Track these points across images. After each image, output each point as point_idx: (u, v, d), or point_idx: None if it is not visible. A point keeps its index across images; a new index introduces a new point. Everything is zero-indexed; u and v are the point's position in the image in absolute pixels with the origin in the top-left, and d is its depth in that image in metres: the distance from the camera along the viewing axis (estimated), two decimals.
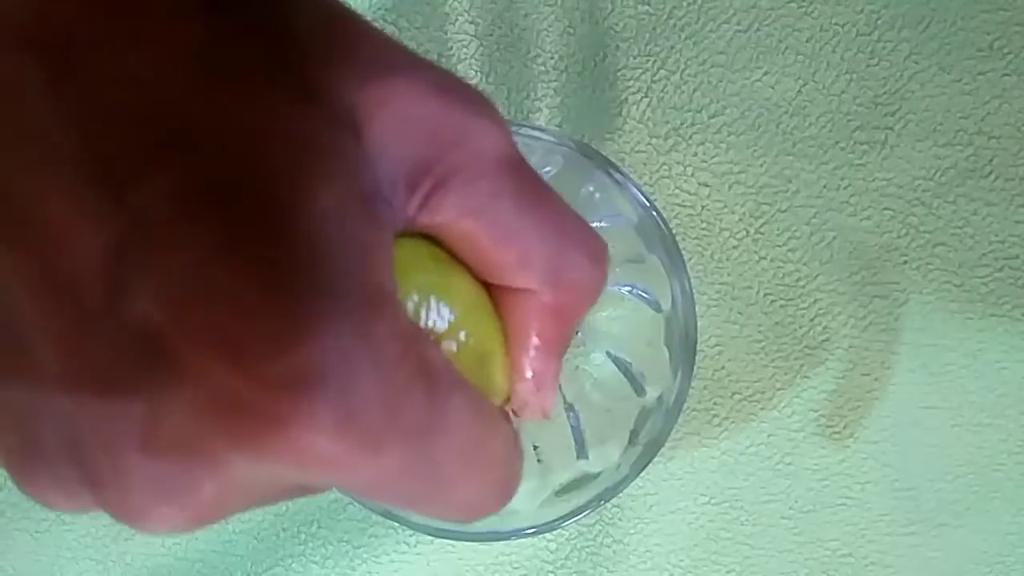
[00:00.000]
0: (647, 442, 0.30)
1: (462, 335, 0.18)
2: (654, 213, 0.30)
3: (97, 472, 0.14)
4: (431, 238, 0.18)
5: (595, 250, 0.19)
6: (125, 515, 0.14)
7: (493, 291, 0.19)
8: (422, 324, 0.17)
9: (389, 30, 0.35)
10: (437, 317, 0.17)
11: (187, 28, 0.14)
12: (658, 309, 0.31)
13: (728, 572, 0.36)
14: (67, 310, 0.13)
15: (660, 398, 0.31)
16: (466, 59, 0.35)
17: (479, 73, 0.35)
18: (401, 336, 0.15)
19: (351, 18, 0.16)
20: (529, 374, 0.19)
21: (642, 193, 0.30)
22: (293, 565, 0.37)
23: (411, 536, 0.36)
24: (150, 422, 0.13)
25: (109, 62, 0.14)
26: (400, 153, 0.16)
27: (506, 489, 0.18)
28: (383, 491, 0.15)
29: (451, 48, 0.35)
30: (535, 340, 0.19)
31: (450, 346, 0.18)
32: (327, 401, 0.13)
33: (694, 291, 0.30)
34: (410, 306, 0.17)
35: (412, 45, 0.35)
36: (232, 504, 0.15)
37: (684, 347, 0.30)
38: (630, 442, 0.31)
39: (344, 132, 0.15)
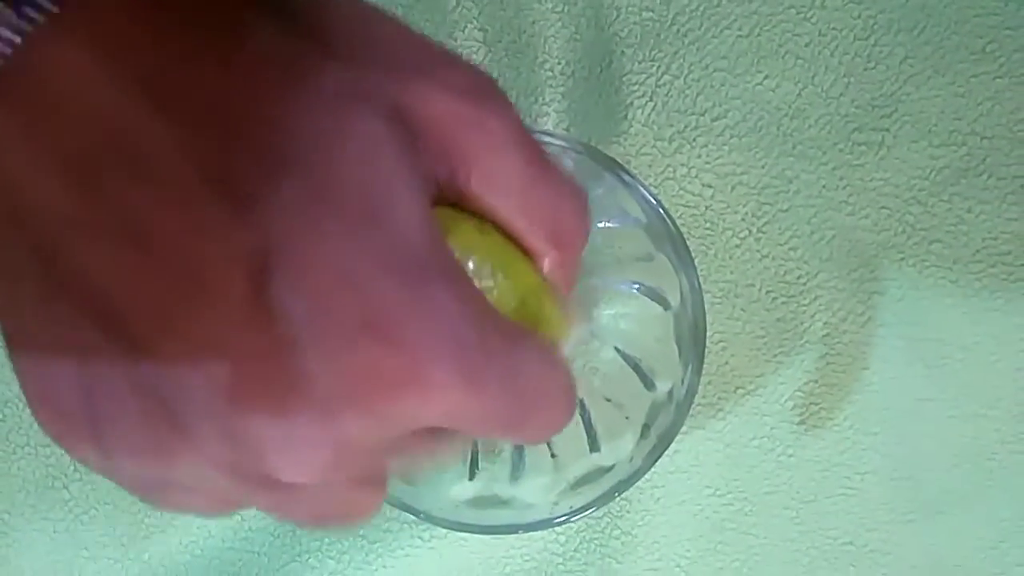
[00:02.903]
0: (659, 435, 0.31)
1: (502, 282, 0.20)
2: (662, 212, 0.31)
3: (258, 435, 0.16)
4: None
5: (579, 201, 0.22)
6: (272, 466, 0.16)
7: None
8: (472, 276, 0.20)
9: None
10: (480, 273, 0.20)
11: (254, 44, 0.16)
12: (667, 306, 0.32)
13: (733, 562, 0.37)
14: (205, 324, 0.15)
15: (670, 392, 0.31)
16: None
17: None
18: (477, 294, 0.18)
19: (386, 23, 0.18)
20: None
21: (650, 193, 0.31)
22: (310, 560, 0.37)
23: (425, 531, 0.37)
24: (301, 395, 0.16)
25: (201, 86, 0.15)
26: (433, 143, 0.18)
27: (569, 409, 0.21)
28: (487, 423, 0.18)
29: (460, 54, 0.36)
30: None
31: (495, 294, 0.20)
32: (444, 361, 0.16)
33: (704, 287, 0.31)
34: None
35: None
36: (359, 456, 0.17)
37: (693, 342, 0.31)
38: (642, 435, 0.32)
39: (398, 128, 0.17)
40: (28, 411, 0.37)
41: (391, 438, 0.17)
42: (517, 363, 0.18)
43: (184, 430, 0.16)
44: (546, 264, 0.21)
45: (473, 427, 0.18)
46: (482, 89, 0.19)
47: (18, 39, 0.14)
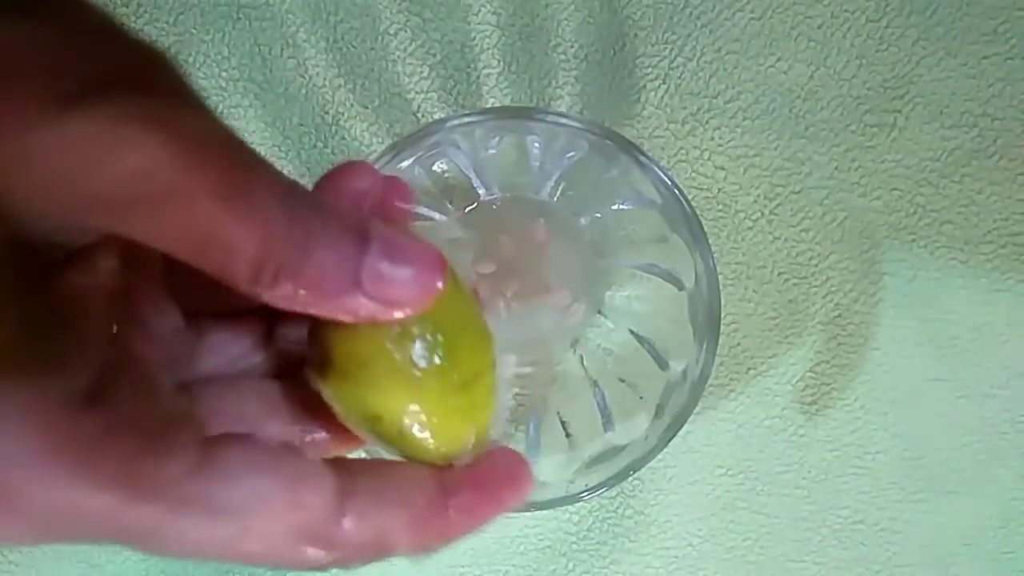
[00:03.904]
0: (673, 415, 0.31)
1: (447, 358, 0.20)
2: (677, 193, 0.31)
3: None
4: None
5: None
6: None
7: None
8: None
9: (414, 22, 0.36)
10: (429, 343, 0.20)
11: None
12: (681, 287, 0.33)
13: (745, 540, 0.38)
14: None
15: (685, 372, 0.32)
16: (488, 49, 0.36)
17: (501, 62, 0.36)
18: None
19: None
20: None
21: (665, 174, 0.31)
22: None
23: None
24: None
25: None
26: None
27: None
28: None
29: (474, 38, 0.36)
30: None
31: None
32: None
33: (717, 268, 0.31)
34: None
35: (436, 36, 0.36)
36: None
37: (708, 322, 0.31)
38: (656, 415, 0.32)
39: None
40: None
41: None
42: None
43: None
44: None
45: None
46: (127, 86, 0.16)
47: None
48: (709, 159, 0.36)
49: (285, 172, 0.18)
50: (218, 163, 0.16)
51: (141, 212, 0.16)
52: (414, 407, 0.20)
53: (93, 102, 0.15)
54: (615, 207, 0.34)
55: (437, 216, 0.34)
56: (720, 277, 0.36)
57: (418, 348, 0.19)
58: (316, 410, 0.21)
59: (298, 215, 0.17)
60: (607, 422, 0.33)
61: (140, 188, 0.16)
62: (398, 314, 0.19)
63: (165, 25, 0.36)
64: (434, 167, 0.34)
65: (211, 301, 0.21)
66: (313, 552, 0.18)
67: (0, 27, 0.15)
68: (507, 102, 0.36)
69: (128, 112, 0.15)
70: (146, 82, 0.16)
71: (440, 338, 0.20)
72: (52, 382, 0.16)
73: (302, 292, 0.18)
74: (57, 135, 0.15)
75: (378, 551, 0.19)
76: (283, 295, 0.18)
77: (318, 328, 0.20)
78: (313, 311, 0.18)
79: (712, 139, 0.36)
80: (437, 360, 0.20)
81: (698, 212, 0.36)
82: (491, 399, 0.21)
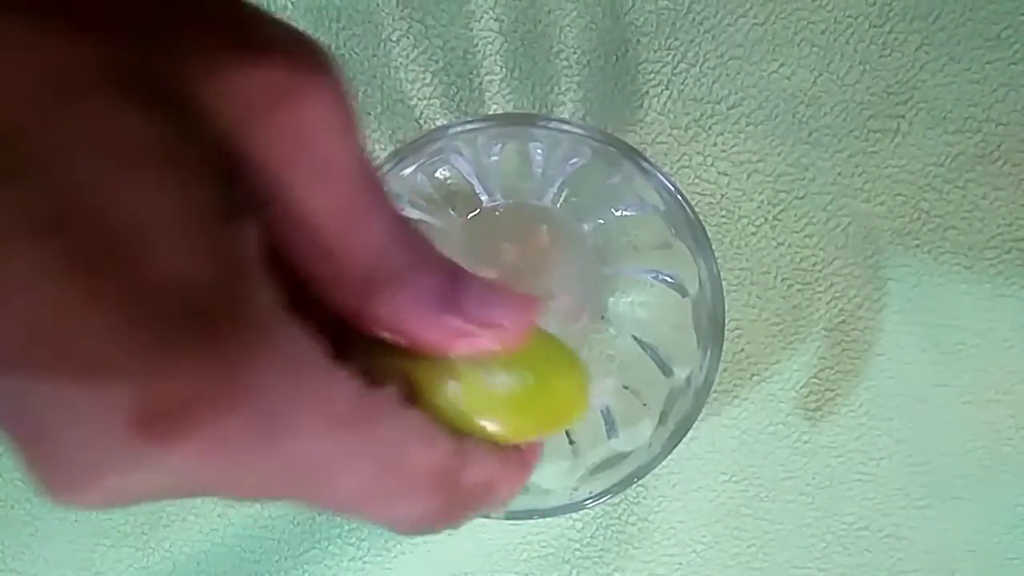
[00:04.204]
0: (677, 421, 0.31)
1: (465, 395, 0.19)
2: (681, 199, 0.31)
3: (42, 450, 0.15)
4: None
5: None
6: (53, 487, 0.15)
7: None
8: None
9: (416, 28, 0.36)
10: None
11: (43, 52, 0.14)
12: (684, 293, 0.33)
13: (749, 547, 0.37)
14: None
15: (688, 378, 0.32)
16: (491, 55, 0.36)
17: (504, 68, 0.36)
18: (293, 362, 0.15)
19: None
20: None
21: (668, 180, 0.31)
22: (329, 547, 0.38)
23: None
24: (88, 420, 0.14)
25: None
26: (239, 136, 0.15)
27: (434, 512, 0.19)
28: (264, 495, 0.16)
29: (476, 44, 0.36)
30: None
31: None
32: (197, 428, 0.14)
33: (720, 274, 0.31)
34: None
35: (439, 42, 0.36)
36: (132, 493, 0.16)
37: (712, 328, 0.31)
38: (660, 422, 0.32)
39: (172, 125, 0.14)
40: None
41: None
42: (383, 425, 0.17)
43: None
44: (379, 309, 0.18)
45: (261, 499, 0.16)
46: (306, 52, 0.16)
47: None
48: (712, 165, 0.36)
49: None
50: (363, 153, 0.17)
51: (302, 172, 0.16)
52: (498, 429, 0.20)
53: (271, 53, 0.15)
54: (618, 213, 0.34)
55: (439, 223, 0.34)
56: (724, 283, 0.36)
57: (510, 379, 0.19)
58: None
59: (413, 234, 0.18)
60: (611, 429, 0.33)
61: (305, 144, 0.16)
62: (494, 346, 0.19)
63: None
64: (436, 174, 0.34)
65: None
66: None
67: None
68: (510, 108, 0.36)
69: (307, 63, 0.15)
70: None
71: (528, 373, 0.20)
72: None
73: (405, 307, 0.18)
74: (240, 80, 0.15)
75: (482, 499, 0.20)
76: (388, 305, 0.18)
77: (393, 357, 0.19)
78: (408, 328, 0.18)
79: (715, 145, 0.36)
80: (523, 391, 0.20)
81: (701, 218, 0.36)
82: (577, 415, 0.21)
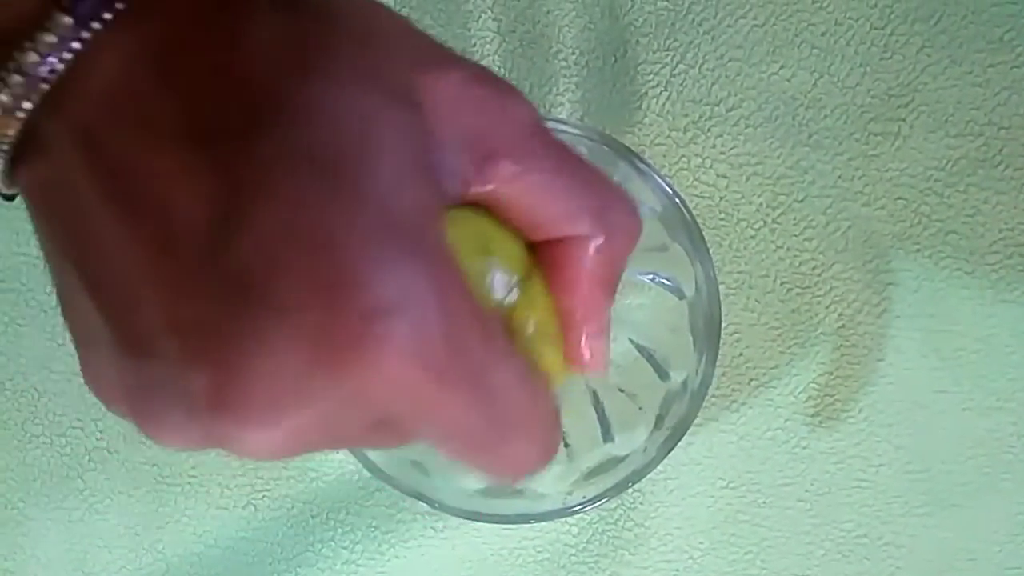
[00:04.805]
0: (673, 425, 0.31)
1: (522, 310, 0.19)
2: (678, 201, 0.31)
3: (203, 405, 0.16)
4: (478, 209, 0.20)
5: (627, 195, 0.21)
6: (232, 436, 0.16)
7: (541, 250, 0.21)
8: (487, 288, 0.19)
9: None
10: (499, 284, 0.20)
11: (261, 27, 0.16)
12: (681, 296, 0.32)
13: (746, 554, 0.37)
14: (172, 268, 0.15)
15: (685, 382, 0.31)
16: (489, 55, 0.36)
17: (502, 69, 0.36)
18: (461, 286, 0.17)
19: (395, 16, 0.19)
20: (585, 332, 0.22)
21: (666, 182, 0.31)
22: (323, 550, 0.37)
23: (438, 521, 0.37)
24: (247, 359, 0.15)
25: (206, 58, 0.16)
26: (454, 130, 0.18)
27: (549, 450, 0.19)
28: (445, 428, 0.17)
29: (474, 44, 0.36)
30: (587, 287, 0.21)
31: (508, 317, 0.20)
32: (400, 331, 0.15)
33: (718, 277, 0.31)
34: (478, 270, 0.19)
35: None
36: (317, 436, 0.17)
37: (708, 332, 0.31)
38: (656, 426, 0.32)
39: (406, 109, 0.17)
40: (43, 401, 0.38)
41: (360, 415, 0.16)
42: (491, 372, 0.17)
43: (161, 405, 0.16)
44: (591, 249, 0.20)
45: (435, 431, 0.17)
46: (497, 78, 0.19)
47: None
48: (711, 167, 0.36)
49: None
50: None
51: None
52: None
53: (446, 66, 0.18)
54: None
55: None
56: (722, 287, 0.36)
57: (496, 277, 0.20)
58: None
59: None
60: (606, 432, 0.33)
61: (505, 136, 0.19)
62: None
63: None
64: None
65: None
66: None
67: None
68: None
69: (476, 75, 0.19)
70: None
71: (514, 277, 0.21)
72: None
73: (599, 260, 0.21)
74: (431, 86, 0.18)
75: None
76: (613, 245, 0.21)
77: None
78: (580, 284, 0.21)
79: (714, 147, 0.36)
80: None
81: (700, 221, 0.35)
82: (554, 363, 0.22)
